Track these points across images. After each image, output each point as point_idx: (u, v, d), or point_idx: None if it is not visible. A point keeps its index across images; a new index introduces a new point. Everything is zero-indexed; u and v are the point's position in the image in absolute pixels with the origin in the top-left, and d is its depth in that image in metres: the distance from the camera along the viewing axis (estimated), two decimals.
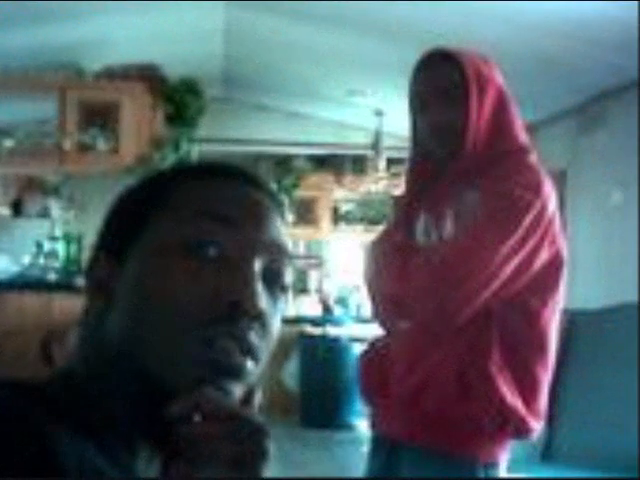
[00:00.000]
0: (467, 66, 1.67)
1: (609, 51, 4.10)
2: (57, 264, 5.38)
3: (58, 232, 5.67)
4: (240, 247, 0.71)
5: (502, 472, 1.69)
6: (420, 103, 1.74)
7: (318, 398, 6.09)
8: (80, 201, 5.73)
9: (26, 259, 5.45)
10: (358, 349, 4.74)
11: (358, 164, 7.34)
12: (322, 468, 4.98)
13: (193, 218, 0.71)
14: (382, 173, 6.42)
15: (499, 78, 1.72)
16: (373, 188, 6.67)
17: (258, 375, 0.71)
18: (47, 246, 5.50)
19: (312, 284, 7.69)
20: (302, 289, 7.49)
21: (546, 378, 1.67)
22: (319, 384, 6.11)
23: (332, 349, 6.10)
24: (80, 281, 4.67)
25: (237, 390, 0.69)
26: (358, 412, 5.73)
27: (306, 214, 7.69)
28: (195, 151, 5.57)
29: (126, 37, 4.99)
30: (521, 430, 1.63)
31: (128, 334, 0.70)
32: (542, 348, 1.66)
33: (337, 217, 7.96)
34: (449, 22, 4.00)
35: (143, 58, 5.17)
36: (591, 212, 5.08)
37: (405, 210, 1.84)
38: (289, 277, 0.75)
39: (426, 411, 1.65)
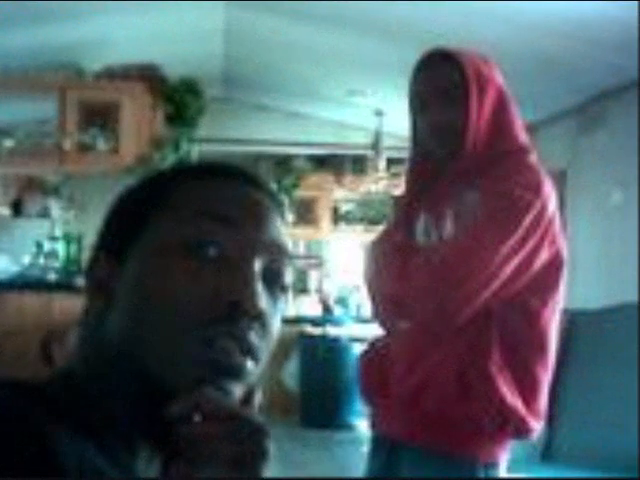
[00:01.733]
0: (467, 66, 1.67)
1: (609, 51, 4.10)
2: (57, 264, 5.38)
3: (58, 232, 5.67)
4: (240, 247, 0.71)
5: (502, 472, 1.69)
6: (420, 103, 1.74)
7: (318, 398, 6.09)
8: (80, 201, 5.73)
9: (26, 259, 5.45)
10: (358, 349, 4.74)
11: (358, 164, 7.34)
12: (322, 468, 4.98)
13: (193, 218, 0.71)
14: (382, 173, 6.42)
15: (499, 78, 1.72)
16: (373, 188, 6.67)
17: (258, 375, 0.71)
18: (47, 246, 5.50)
19: (312, 284, 7.69)
20: (302, 289, 7.49)
21: (546, 378, 1.67)
22: (319, 384, 6.11)
23: (332, 349, 6.10)
24: (80, 281, 4.67)
25: (237, 390, 0.69)
26: (358, 412, 5.72)
27: (306, 214, 7.69)
28: (195, 151, 5.57)
29: (126, 37, 4.99)
30: (521, 430, 1.63)
31: (128, 334, 0.70)
32: (542, 348, 1.66)
33: (337, 217, 7.96)
34: (449, 22, 4.00)
35: (143, 58, 5.17)
36: (591, 212, 5.08)
37: (405, 210, 1.84)
38: (289, 277, 0.75)
39: (426, 411, 1.65)
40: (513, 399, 1.61)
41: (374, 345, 1.86)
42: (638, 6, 3.40)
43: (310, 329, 6.39)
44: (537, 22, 3.90)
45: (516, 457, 1.82)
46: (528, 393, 1.64)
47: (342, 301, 7.46)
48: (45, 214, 5.79)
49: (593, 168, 5.09)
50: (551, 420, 2.97)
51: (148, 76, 5.15)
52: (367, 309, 5.57)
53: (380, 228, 2.02)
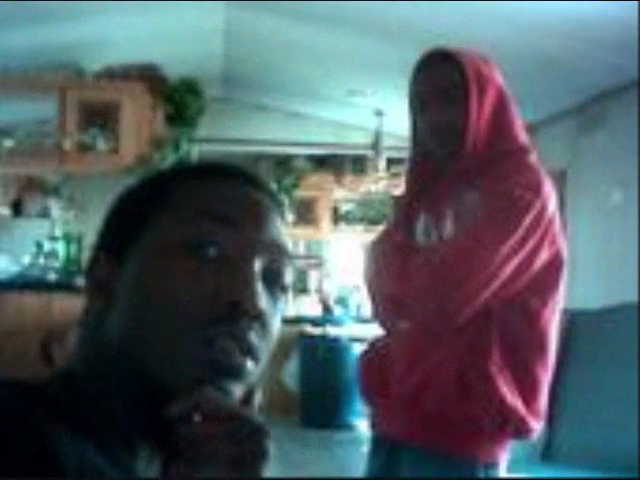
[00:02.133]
0: (467, 66, 1.67)
1: (609, 51, 4.10)
2: (57, 264, 5.38)
3: (58, 232, 5.67)
4: (240, 247, 0.71)
5: (502, 472, 1.69)
6: (420, 103, 1.74)
7: (318, 398, 6.09)
8: (80, 201, 5.73)
9: (26, 259, 5.45)
10: (358, 349, 4.74)
11: (358, 164, 7.34)
12: (322, 468, 4.98)
13: (193, 218, 0.71)
14: (382, 173, 6.42)
15: (499, 78, 1.72)
16: (373, 188, 6.67)
17: (258, 375, 0.71)
18: (47, 246, 5.50)
19: (312, 284, 7.69)
20: (302, 289, 7.49)
21: (546, 378, 1.67)
22: (319, 384, 6.11)
23: (332, 349, 6.10)
24: (80, 281, 4.67)
25: (237, 390, 0.69)
26: (358, 412, 5.72)
27: (306, 214, 7.69)
28: (195, 151, 5.57)
29: (126, 37, 4.99)
30: (521, 430, 1.63)
31: (128, 334, 0.70)
32: (542, 348, 1.66)
33: (337, 217, 7.96)
34: (449, 22, 4.00)
35: (143, 58, 5.17)
36: (591, 212, 5.08)
37: (405, 210, 1.84)
38: (289, 277, 0.75)
39: (426, 411, 1.65)
40: (513, 399, 1.61)
41: (374, 345, 1.86)
42: (638, 6, 3.40)
43: (310, 329, 6.39)
44: (537, 22, 3.90)
45: (516, 457, 1.82)
46: (528, 393, 1.64)
47: (342, 301, 7.46)
48: (45, 214, 5.79)
49: (593, 168, 5.09)
50: (551, 420, 2.97)
51: (148, 76, 5.15)
52: (367, 309, 5.57)
53: (380, 228, 2.02)
